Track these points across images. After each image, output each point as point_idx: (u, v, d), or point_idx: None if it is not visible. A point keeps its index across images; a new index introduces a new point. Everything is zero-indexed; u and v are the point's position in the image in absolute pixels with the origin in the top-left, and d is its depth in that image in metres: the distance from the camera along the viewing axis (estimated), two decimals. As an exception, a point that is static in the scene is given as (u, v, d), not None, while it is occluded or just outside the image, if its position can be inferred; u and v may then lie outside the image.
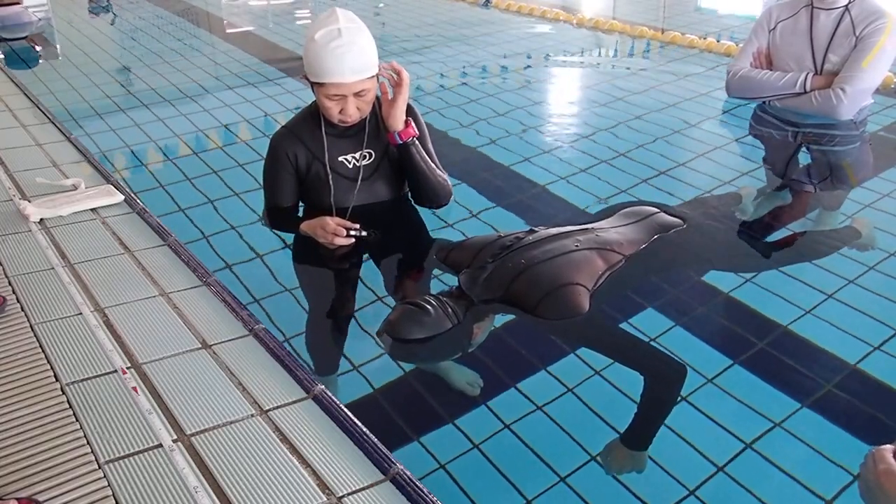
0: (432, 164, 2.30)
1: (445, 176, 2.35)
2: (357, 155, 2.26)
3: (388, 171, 2.31)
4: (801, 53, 3.45)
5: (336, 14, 2.06)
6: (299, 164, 2.24)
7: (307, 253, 2.32)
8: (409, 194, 2.39)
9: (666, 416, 1.76)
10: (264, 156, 2.32)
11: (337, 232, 2.14)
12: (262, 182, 2.35)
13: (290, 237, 2.51)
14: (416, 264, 2.38)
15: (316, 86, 2.10)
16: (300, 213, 2.36)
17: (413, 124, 2.23)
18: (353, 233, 2.15)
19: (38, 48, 5.84)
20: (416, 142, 2.23)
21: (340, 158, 2.25)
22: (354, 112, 2.13)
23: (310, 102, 2.29)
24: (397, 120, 2.20)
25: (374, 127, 2.26)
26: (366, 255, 2.33)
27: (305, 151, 2.23)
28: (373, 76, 2.11)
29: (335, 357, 2.03)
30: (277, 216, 2.35)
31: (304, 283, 2.32)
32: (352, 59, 2.03)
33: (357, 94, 2.10)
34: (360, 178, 2.27)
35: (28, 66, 5.24)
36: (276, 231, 2.45)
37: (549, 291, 1.92)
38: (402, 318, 1.87)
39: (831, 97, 3.32)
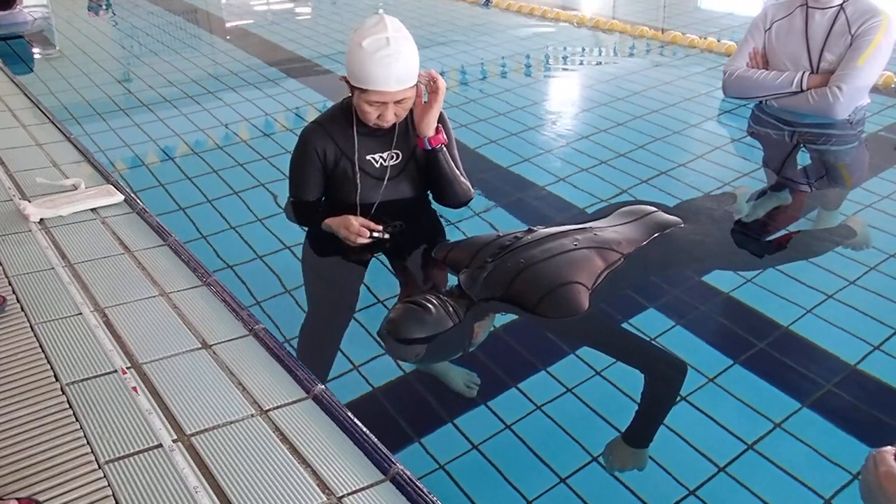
0: (456, 170, 2.33)
1: (466, 180, 2.38)
2: (385, 155, 2.29)
3: (414, 172, 2.34)
4: (796, 53, 3.45)
5: (385, 22, 2.08)
6: (327, 160, 2.27)
7: (318, 251, 2.34)
8: (432, 194, 2.42)
9: (666, 414, 1.76)
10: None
11: (360, 233, 2.17)
12: (288, 174, 2.36)
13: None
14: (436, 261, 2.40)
15: (357, 90, 2.11)
16: (325, 208, 2.36)
17: (443, 131, 2.26)
18: (375, 234, 2.17)
19: (35, 47, 5.83)
20: (444, 148, 2.27)
21: (368, 157, 2.27)
22: (392, 118, 2.16)
23: (341, 99, 2.31)
24: (429, 126, 2.23)
25: (403, 128, 2.28)
26: (377, 255, 2.33)
27: (335, 148, 2.25)
28: (414, 85, 2.13)
29: (328, 363, 2.01)
30: (301, 210, 2.37)
31: (308, 282, 2.32)
32: (398, 70, 2.05)
33: (397, 102, 2.11)
34: (386, 177, 2.29)
35: (28, 66, 5.24)
36: (298, 224, 2.45)
37: (549, 290, 1.93)
38: (404, 317, 1.87)
39: (828, 96, 3.32)
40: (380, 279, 2.31)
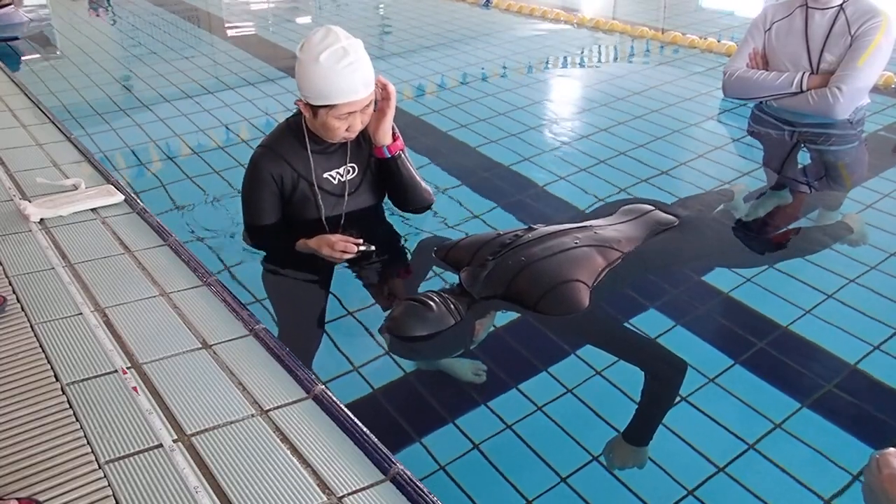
0: (415, 174, 2.31)
1: (425, 183, 2.36)
2: (341, 170, 2.26)
3: (372, 183, 2.32)
4: (796, 53, 3.46)
5: (334, 32, 2.03)
6: (284, 185, 2.21)
7: (282, 272, 2.33)
8: (393, 201, 2.39)
9: (666, 412, 1.77)
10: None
11: (347, 248, 2.14)
12: (241, 201, 2.29)
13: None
14: (407, 266, 2.39)
15: (323, 109, 2.05)
16: (286, 231, 2.29)
17: (400, 136, 2.24)
18: (362, 248, 2.16)
19: (35, 47, 5.83)
20: (402, 154, 2.25)
21: (325, 175, 2.24)
22: (360, 126, 2.12)
23: (286, 119, 2.26)
24: (386, 134, 2.20)
25: (355, 140, 2.24)
26: (342, 266, 2.31)
27: (291, 171, 2.19)
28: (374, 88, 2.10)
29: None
30: (263, 236, 2.30)
31: (275, 305, 2.24)
32: (363, 75, 2.02)
33: (364, 108, 2.08)
34: (346, 192, 2.27)
35: (28, 66, 5.24)
36: (260, 250, 2.40)
37: (549, 288, 1.93)
38: (406, 314, 1.87)
39: (828, 96, 3.32)
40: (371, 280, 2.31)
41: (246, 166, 2.26)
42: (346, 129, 2.10)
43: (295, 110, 2.21)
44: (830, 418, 1.78)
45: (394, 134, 2.23)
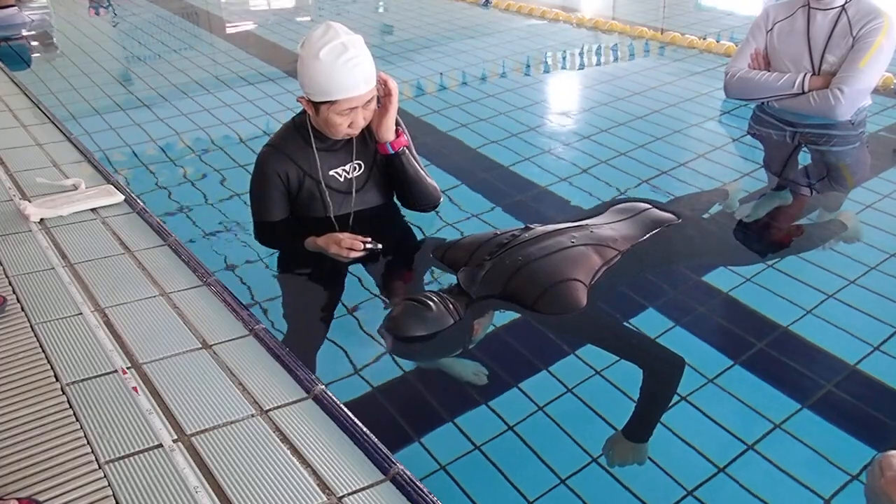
0: (421, 171, 2.30)
1: (432, 180, 2.36)
2: (347, 167, 2.26)
3: (379, 180, 2.32)
4: (798, 54, 3.45)
5: (334, 28, 2.03)
6: (290, 183, 2.22)
7: (295, 270, 2.33)
8: (399, 199, 2.40)
9: (665, 409, 1.77)
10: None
11: (353, 247, 2.14)
12: (249, 201, 2.30)
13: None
14: (410, 266, 2.38)
15: (324, 105, 2.05)
16: (295, 229, 2.30)
17: (405, 133, 2.24)
18: (369, 246, 2.16)
19: (35, 47, 5.84)
20: (406, 150, 2.24)
21: (331, 172, 2.24)
22: (362, 122, 2.12)
23: (291, 118, 2.27)
24: (389, 130, 2.20)
25: (361, 138, 2.25)
26: (353, 266, 2.31)
27: (296, 169, 2.20)
28: (375, 84, 2.10)
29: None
30: (272, 235, 2.31)
31: (287, 297, 2.26)
32: (363, 70, 2.02)
33: (366, 104, 2.09)
34: (353, 189, 2.27)
35: (28, 66, 5.24)
36: (271, 248, 2.41)
37: (546, 288, 1.93)
38: (405, 314, 1.87)
39: (829, 97, 3.32)
40: (371, 280, 2.31)
41: (253, 166, 2.27)
42: (349, 126, 2.10)
43: (299, 108, 2.21)
44: (830, 419, 1.78)
45: (399, 130, 2.23)
